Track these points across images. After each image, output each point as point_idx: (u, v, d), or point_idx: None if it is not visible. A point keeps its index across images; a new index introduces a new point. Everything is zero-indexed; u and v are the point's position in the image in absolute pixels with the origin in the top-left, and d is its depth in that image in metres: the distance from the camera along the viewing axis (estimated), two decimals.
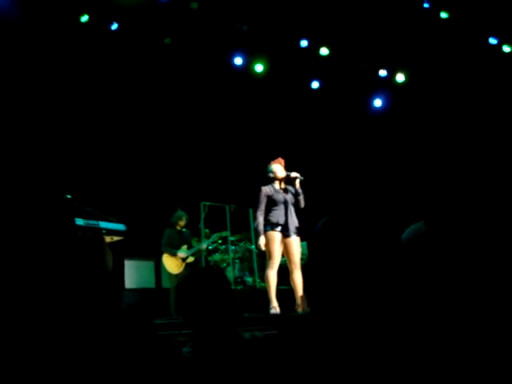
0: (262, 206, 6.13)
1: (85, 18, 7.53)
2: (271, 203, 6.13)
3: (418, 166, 8.77)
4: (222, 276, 2.23)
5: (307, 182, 6.35)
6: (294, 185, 6.22)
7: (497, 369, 1.19)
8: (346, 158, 9.73)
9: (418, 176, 8.64)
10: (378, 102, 9.75)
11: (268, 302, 6.13)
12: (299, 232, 6.10)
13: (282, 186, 6.20)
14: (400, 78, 9.22)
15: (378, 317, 1.26)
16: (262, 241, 6.08)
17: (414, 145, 8.98)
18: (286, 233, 6.03)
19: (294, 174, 6.20)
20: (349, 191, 9.33)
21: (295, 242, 6.09)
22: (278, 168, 6.25)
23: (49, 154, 7.78)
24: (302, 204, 6.17)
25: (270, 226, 6.07)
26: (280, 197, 6.10)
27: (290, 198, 6.14)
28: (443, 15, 8.16)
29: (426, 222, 1.44)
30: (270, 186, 6.22)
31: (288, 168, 6.36)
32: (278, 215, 6.06)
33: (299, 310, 6.02)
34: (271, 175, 6.24)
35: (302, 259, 6.93)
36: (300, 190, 6.16)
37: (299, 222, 6.14)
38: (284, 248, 6.11)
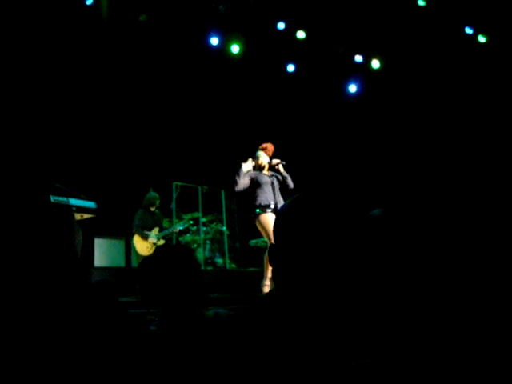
0: (244, 178, 6.22)
1: None
2: (257, 185, 6.24)
3: (389, 150, 8.86)
4: (190, 254, 2.20)
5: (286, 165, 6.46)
6: (278, 171, 6.35)
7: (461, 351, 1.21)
8: (319, 141, 9.77)
9: (389, 161, 8.73)
10: (352, 88, 9.78)
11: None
12: None
13: (266, 172, 6.34)
14: (375, 64, 9.26)
15: (340, 295, 1.27)
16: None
17: (386, 130, 9.06)
18: (275, 212, 6.10)
19: (274, 161, 6.34)
20: (321, 173, 9.38)
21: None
22: (262, 156, 6.39)
23: (19, 128, 7.65)
24: (291, 184, 6.31)
25: (259, 208, 6.18)
26: (265, 178, 6.23)
27: (275, 181, 6.27)
28: (421, 3, 8.19)
29: (384, 209, 1.46)
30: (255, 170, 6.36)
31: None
32: (265, 197, 6.18)
33: (264, 289, 6.10)
34: (256, 162, 6.38)
35: (262, 242, 7.04)
36: (285, 174, 6.32)
37: None
38: None
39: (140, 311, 4.00)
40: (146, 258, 2.22)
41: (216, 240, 9.81)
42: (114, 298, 1.57)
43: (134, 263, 8.20)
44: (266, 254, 6.25)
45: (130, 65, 8.76)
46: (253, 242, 9.41)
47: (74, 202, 5.69)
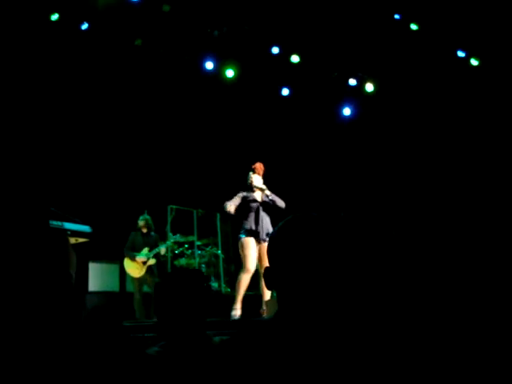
0: (234, 199, 6.32)
1: (55, 17, 7.44)
2: (245, 209, 6.30)
3: (384, 173, 8.89)
4: (203, 279, 2.26)
5: (276, 188, 6.49)
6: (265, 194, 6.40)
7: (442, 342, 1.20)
8: (314, 164, 9.79)
9: (383, 183, 8.76)
10: (346, 111, 9.84)
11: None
12: None
13: (257, 193, 6.39)
14: (369, 87, 9.33)
15: (337, 318, 1.26)
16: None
17: (380, 153, 9.10)
18: (257, 239, 6.18)
19: (257, 187, 6.39)
20: (315, 195, 9.40)
21: (262, 246, 6.18)
22: (251, 176, 6.46)
23: (16, 152, 7.64)
24: (281, 205, 6.33)
25: (243, 232, 6.25)
26: (252, 204, 6.28)
27: (263, 204, 6.30)
28: (413, 27, 8.29)
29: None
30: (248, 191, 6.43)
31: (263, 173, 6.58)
32: (250, 222, 6.23)
33: (264, 314, 6.08)
34: (248, 183, 6.45)
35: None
36: (272, 197, 6.34)
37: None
38: (258, 254, 6.23)
39: (136, 335, 3.97)
40: (160, 282, 2.27)
41: (211, 264, 9.76)
42: (118, 322, 1.56)
43: (129, 287, 8.15)
44: (239, 275, 6.26)
45: (124, 88, 8.80)
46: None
47: (68, 225, 5.67)
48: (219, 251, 9.77)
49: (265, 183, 6.54)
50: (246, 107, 9.45)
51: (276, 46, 8.71)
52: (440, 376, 1.20)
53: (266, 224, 6.24)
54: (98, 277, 8.15)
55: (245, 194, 6.37)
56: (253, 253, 6.16)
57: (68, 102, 8.43)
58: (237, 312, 6.12)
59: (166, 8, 7.69)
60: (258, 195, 6.36)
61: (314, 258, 1.28)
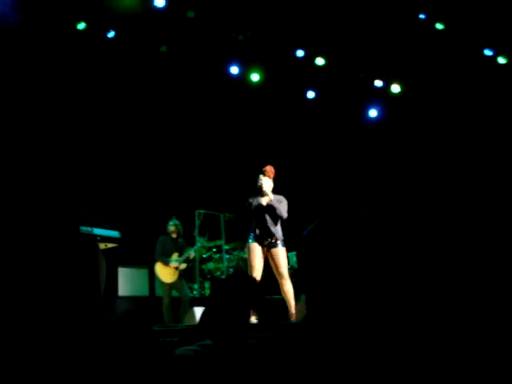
0: (246, 206, 6.32)
1: (82, 26, 7.55)
2: (252, 213, 6.27)
3: (411, 174, 8.80)
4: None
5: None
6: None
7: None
8: (340, 167, 9.75)
9: (410, 184, 8.67)
10: (373, 112, 9.77)
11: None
12: (285, 243, 6.19)
13: (265, 196, 6.30)
14: (395, 88, 9.26)
15: (372, 320, 1.25)
16: None
17: (408, 154, 9.01)
18: (261, 244, 6.16)
19: (265, 192, 6.30)
20: (342, 198, 9.34)
21: (275, 253, 6.14)
22: (261, 179, 6.38)
23: (46, 159, 7.77)
24: (280, 214, 6.20)
25: (250, 237, 6.23)
26: (258, 208, 6.23)
27: (268, 209, 6.22)
28: (439, 26, 8.20)
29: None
30: (256, 195, 6.37)
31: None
32: (254, 227, 6.21)
33: (292, 318, 6.02)
34: (258, 186, 6.38)
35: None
36: (275, 205, 6.21)
37: (289, 232, 6.23)
38: (270, 259, 6.21)
39: (165, 340, 4.00)
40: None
41: (239, 268, 9.76)
42: (147, 327, 1.57)
43: (158, 291, 8.20)
44: (289, 283, 6.13)
45: (151, 95, 8.88)
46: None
47: (98, 231, 5.75)
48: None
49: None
50: (272, 111, 9.45)
51: (301, 48, 8.70)
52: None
53: (272, 229, 6.17)
54: (127, 282, 8.22)
55: (252, 198, 6.33)
56: (257, 258, 6.12)
57: (97, 110, 8.54)
58: (293, 317, 6.01)
59: (191, 14, 7.74)
60: (264, 199, 6.28)
61: (344, 260, 1.28)
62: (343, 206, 9.06)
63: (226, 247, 9.64)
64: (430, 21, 8.17)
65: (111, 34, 7.84)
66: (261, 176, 6.38)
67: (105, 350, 1.42)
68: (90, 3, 7.35)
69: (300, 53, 8.71)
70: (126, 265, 8.23)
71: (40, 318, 1.45)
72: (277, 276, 6.17)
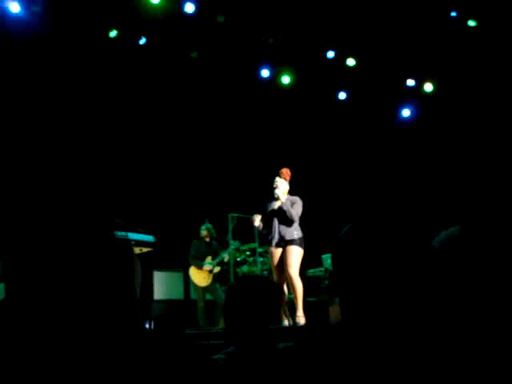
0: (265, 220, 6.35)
1: (113, 34, 7.66)
2: (268, 217, 6.32)
3: (448, 174, 8.67)
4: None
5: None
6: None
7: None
8: (374, 169, 9.67)
9: (448, 184, 8.54)
10: (406, 112, 9.68)
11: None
12: (294, 243, 6.15)
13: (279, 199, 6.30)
14: (428, 87, 9.15)
15: (410, 325, 1.24)
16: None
17: (443, 154, 8.89)
18: (273, 244, 6.22)
19: (277, 195, 6.30)
20: (376, 200, 9.26)
21: (287, 251, 6.12)
22: (277, 181, 6.40)
23: (82, 166, 7.90)
24: (291, 218, 6.16)
25: (271, 242, 6.30)
26: (271, 213, 6.28)
27: (279, 212, 6.23)
28: (471, 23, 8.08)
29: (462, 227, 1.42)
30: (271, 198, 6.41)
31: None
32: (271, 231, 6.26)
33: (300, 321, 5.97)
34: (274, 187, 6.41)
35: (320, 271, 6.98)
36: (285, 208, 6.20)
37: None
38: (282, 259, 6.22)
39: (201, 343, 4.01)
40: (232, 287, 2.33)
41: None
42: (181, 330, 1.58)
43: (193, 295, 8.25)
44: (296, 284, 6.09)
45: (184, 100, 8.95)
46: (310, 271, 9.32)
47: (132, 236, 5.81)
48: None
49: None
50: (303, 113, 9.44)
51: (331, 50, 8.67)
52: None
53: (286, 231, 6.17)
54: (162, 285, 8.30)
55: (269, 202, 6.40)
56: (277, 263, 6.19)
57: (130, 116, 8.65)
58: (300, 320, 6.02)
59: (221, 19, 7.78)
60: (276, 203, 6.30)
61: (381, 262, 1.27)
62: (375, 207, 8.98)
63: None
64: (462, 18, 8.05)
65: (142, 41, 7.93)
66: (277, 178, 6.42)
67: (139, 353, 1.44)
68: (122, 11, 7.45)
69: (330, 54, 8.68)
70: (161, 268, 8.31)
71: (76, 321, 1.47)
72: (286, 274, 6.14)
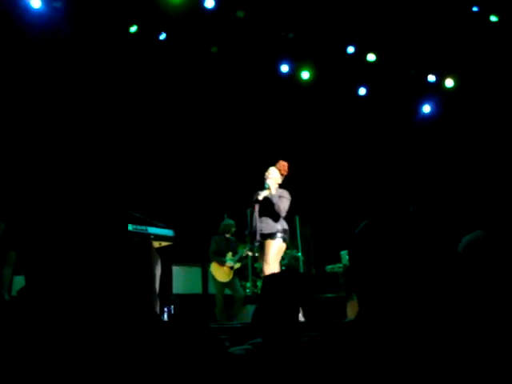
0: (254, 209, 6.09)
1: (134, 29, 7.70)
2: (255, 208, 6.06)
3: (470, 173, 8.58)
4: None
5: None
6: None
7: None
8: (394, 165, 9.61)
9: (469, 184, 8.45)
10: (426, 108, 9.60)
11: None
12: (273, 237, 5.90)
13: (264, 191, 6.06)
14: (449, 83, 9.06)
15: (426, 323, 1.24)
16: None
17: (465, 151, 8.80)
18: (253, 239, 5.96)
19: (268, 185, 6.06)
20: (394, 197, 9.20)
21: (267, 244, 5.89)
22: (271, 170, 6.17)
23: (100, 160, 7.96)
24: (278, 211, 5.93)
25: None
26: (257, 202, 6.03)
27: (265, 203, 5.98)
28: (493, 18, 7.98)
29: (485, 231, 1.41)
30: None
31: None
32: (255, 221, 6.00)
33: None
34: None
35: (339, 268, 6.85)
36: (274, 201, 5.96)
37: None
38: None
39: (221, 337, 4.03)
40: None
41: (292, 266, 9.75)
42: (205, 324, 1.59)
43: (211, 290, 8.28)
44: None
45: (204, 95, 8.97)
46: (329, 267, 9.31)
47: (152, 230, 5.85)
48: (299, 253, 9.75)
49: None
50: (324, 108, 9.40)
51: (351, 45, 8.62)
52: None
53: (264, 223, 5.93)
54: (180, 279, 8.34)
55: (258, 192, 6.13)
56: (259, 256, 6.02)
57: (148, 110, 8.70)
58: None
59: (241, 14, 7.78)
60: (263, 193, 6.06)
61: (398, 258, 1.26)
62: (394, 203, 8.93)
63: None
64: (484, 13, 7.96)
65: (162, 36, 7.96)
66: (271, 168, 6.19)
67: (159, 345, 1.45)
68: (142, 7, 7.49)
69: (351, 49, 8.63)
70: (179, 263, 8.34)
71: (97, 314, 1.49)
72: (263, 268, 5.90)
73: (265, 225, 5.93)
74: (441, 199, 8.62)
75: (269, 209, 5.93)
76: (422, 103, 9.64)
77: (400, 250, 1.27)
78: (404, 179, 9.46)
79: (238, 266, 7.91)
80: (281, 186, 6.19)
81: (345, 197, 9.49)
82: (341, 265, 8.74)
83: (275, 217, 5.93)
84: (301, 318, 5.95)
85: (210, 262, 7.84)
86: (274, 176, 6.10)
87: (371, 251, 1.30)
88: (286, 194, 6.08)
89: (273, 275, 2.65)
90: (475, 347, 1.20)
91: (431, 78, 9.11)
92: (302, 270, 9.59)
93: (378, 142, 9.68)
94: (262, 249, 5.98)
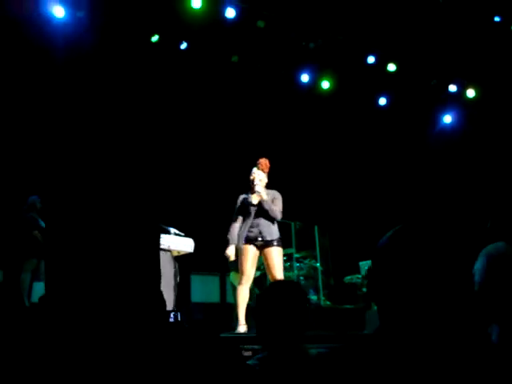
0: (236, 214, 5.94)
1: (155, 38, 7.77)
2: (244, 213, 5.86)
3: (493, 183, 8.48)
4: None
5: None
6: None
7: None
8: (415, 175, 9.54)
9: (493, 194, 8.36)
10: (447, 119, 9.54)
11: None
12: (276, 243, 5.80)
13: (256, 193, 5.79)
14: (471, 93, 9.00)
15: (448, 337, 1.22)
16: (228, 251, 5.87)
17: (487, 162, 8.71)
18: (255, 244, 5.72)
19: (258, 191, 5.77)
20: (419, 206, 9.13)
21: (269, 253, 5.72)
22: (254, 172, 5.89)
23: (131, 173, 8.01)
24: (274, 216, 5.76)
25: (243, 238, 5.76)
26: (250, 207, 5.79)
27: (261, 207, 5.74)
28: None
29: (508, 243, 1.38)
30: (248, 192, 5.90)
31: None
32: (245, 226, 5.78)
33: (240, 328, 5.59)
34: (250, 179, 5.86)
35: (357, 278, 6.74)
36: (267, 205, 5.74)
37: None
38: (265, 260, 5.79)
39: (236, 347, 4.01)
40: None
41: (310, 276, 9.71)
42: (215, 335, 1.59)
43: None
44: (237, 288, 5.79)
45: (224, 104, 9.00)
46: (347, 278, 9.25)
47: (171, 238, 5.87)
48: (318, 264, 9.70)
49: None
50: (344, 119, 9.39)
51: (372, 54, 8.61)
52: None
53: (264, 227, 5.71)
54: (199, 288, 8.35)
55: (243, 196, 5.89)
56: (249, 262, 5.66)
57: (169, 119, 8.75)
58: (241, 328, 5.60)
59: (261, 24, 7.82)
60: (255, 197, 5.75)
61: (423, 270, 1.24)
62: (416, 215, 8.86)
63: (297, 255, 9.61)
64: (506, 23, 7.90)
65: (184, 46, 8.02)
66: (254, 169, 5.89)
67: (172, 352, 1.44)
68: (163, 16, 7.55)
69: (371, 59, 8.61)
70: (197, 272, 8.36)
71: (110, 324, 1.49)
72: (269, 277, 5.74)
73: (264, 230, 5.73)
74: (466, 212, 8.53)
75: (264, 213, 5.74)
76: (443, 113, 9.57)
77: (427, 263, 1.25)
78: (421, 190, 9.40)
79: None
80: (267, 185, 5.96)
81: (364, 207, 9.45)
82: (359, 276, 8.69)
83: (273, 221, 5.79)
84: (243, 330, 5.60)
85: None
86: (262, 179, 5.85)
87: (397, 262, 1.28)
88: (277, 194, 5.89)
89: (278, 284, 2.60)
90: (504, 365, 1.18)
91: (452, 88, 9.05)
92: (320, 281, 9.56)
93: (396, 153, 9.63)
94: (248, 253, 5.73)
